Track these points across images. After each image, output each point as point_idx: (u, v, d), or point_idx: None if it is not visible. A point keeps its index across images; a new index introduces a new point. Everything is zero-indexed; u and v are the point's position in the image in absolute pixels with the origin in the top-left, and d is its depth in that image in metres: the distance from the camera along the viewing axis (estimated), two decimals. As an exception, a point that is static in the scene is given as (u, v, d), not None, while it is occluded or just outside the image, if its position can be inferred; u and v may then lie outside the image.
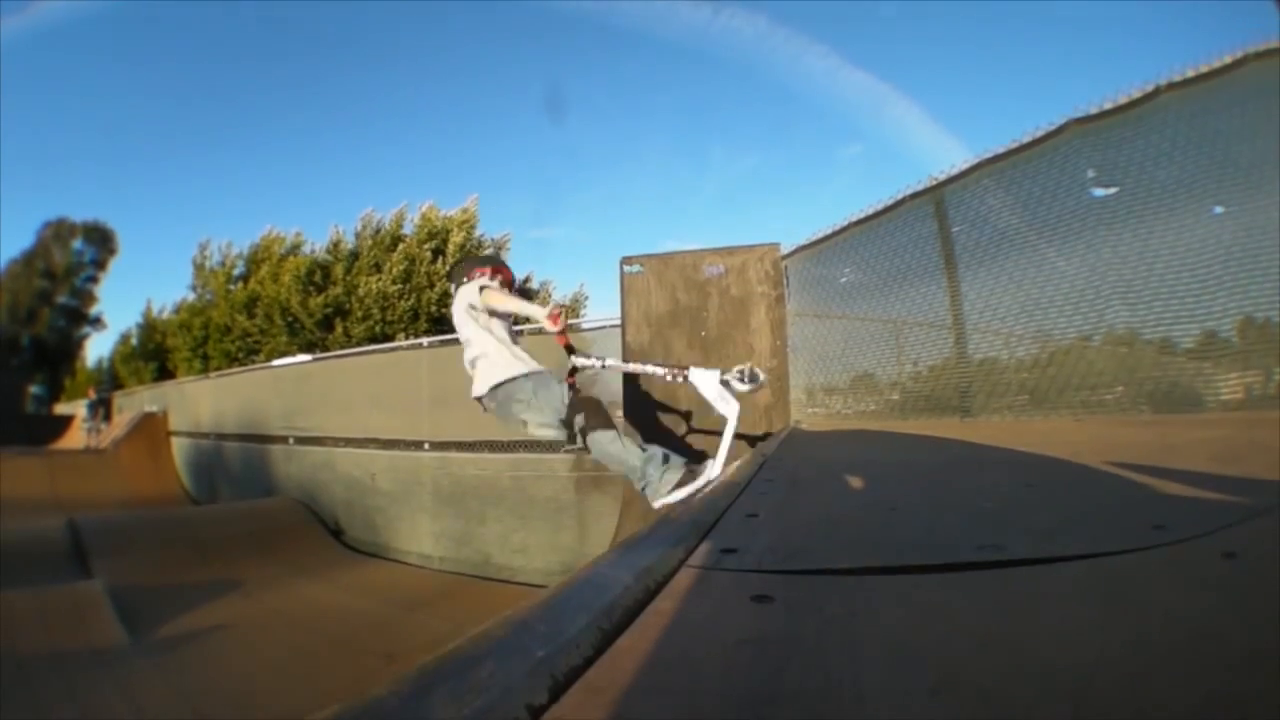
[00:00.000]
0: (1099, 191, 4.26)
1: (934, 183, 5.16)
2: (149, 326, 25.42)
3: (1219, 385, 3.90)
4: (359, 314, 18.09)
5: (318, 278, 18.94)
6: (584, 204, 54.87)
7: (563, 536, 7.95)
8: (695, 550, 1.15)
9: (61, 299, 33.88)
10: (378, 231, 19.45)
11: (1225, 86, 3.75)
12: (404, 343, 12.92)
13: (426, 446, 9.48)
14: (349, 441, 10.74)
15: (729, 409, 3.56)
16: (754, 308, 5.70)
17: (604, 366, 4.11)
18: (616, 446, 3.53)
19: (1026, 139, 4.57)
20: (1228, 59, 3.71)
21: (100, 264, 34.67)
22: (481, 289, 3.88)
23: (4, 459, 14.28)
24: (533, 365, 3.81)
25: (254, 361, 17.59)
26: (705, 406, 5.63)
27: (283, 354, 16.43)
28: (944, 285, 5.08)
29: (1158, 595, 0.88)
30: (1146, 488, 1.73)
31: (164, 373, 23.23)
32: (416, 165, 47.73)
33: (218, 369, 18.41)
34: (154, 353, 24.51)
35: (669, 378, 3.80)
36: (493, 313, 3.88)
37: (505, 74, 54.58)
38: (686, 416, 5.60)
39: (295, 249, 20.88)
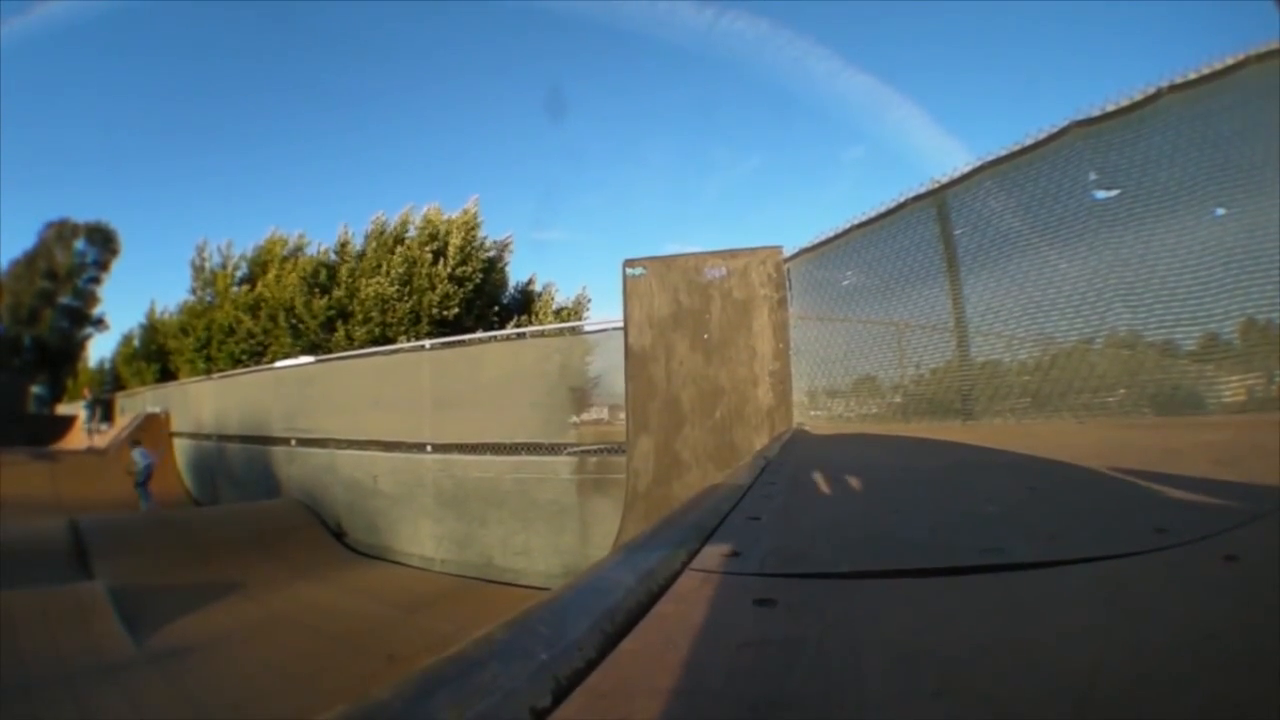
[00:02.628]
0: (1101, 194, 4.25)
1: (936, 185, 5.16)
2: (151, 327, 25.46)
3: (1221, 388, 3.89)
4: (360, 316, 18.10)
5: (323, 278, 18.95)
6: (586, 206, 54.80)
7: (565, 539, 7.96)
8: (698, 553, 1.15)
9: (63, 299, 33.88)
10: (382, 233, 19.46)
11: (1226, 88, 3.75)
12: (406, 345, 12.94)
13: (429, 449, 9.49)
14: (351, 443, 10.76)
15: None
16: (756, 310, 5.70)
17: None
18: None
19: (1028, 141, 4.57)
20: (1229, 61, 3.71)
21: (102, 265, 34.71)
22: None
23: (6, 459, 14.30)
24: None
25: (259, 363, 17.62)
26: (707, 403, 5.67)
27: (286, 356, 16.45)
28: (946, 288, 5.08)
29: (1159, 599, 0.88)
30: (1148, 491, 1.73)
31: (166, 374, 23.27)
32: (421, 167, 47.54)
33: (222, 371, 18.43)
34: (156, 354, 24.54)
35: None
36: None
37: (508, 76, 54.61)
38: (687, 412, 5.63)
39: (298, 250, 20.91)
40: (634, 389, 5.92)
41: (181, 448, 17.15)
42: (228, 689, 5.08)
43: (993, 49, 44.82)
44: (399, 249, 18.53)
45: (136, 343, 26.83)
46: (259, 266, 21.10)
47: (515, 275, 21.80)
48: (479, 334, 12.63)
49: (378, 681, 0.60)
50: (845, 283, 5.82)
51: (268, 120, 46.83)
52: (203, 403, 16.21)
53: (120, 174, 47.64)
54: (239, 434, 14.06)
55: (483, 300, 19.73)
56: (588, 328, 9.64)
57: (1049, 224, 4.46)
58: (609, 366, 7.54)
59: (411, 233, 19.34)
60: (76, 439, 20.70)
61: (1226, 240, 3.67)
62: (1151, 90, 4.01)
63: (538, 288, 22.05)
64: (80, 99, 46.16)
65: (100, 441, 18.65)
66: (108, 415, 21.81)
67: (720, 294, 5.80)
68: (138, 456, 13.23)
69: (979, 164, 4.88)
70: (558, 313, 21.07)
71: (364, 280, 18.26)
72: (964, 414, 5.00)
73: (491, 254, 20.33)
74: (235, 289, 21.22)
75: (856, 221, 5.64)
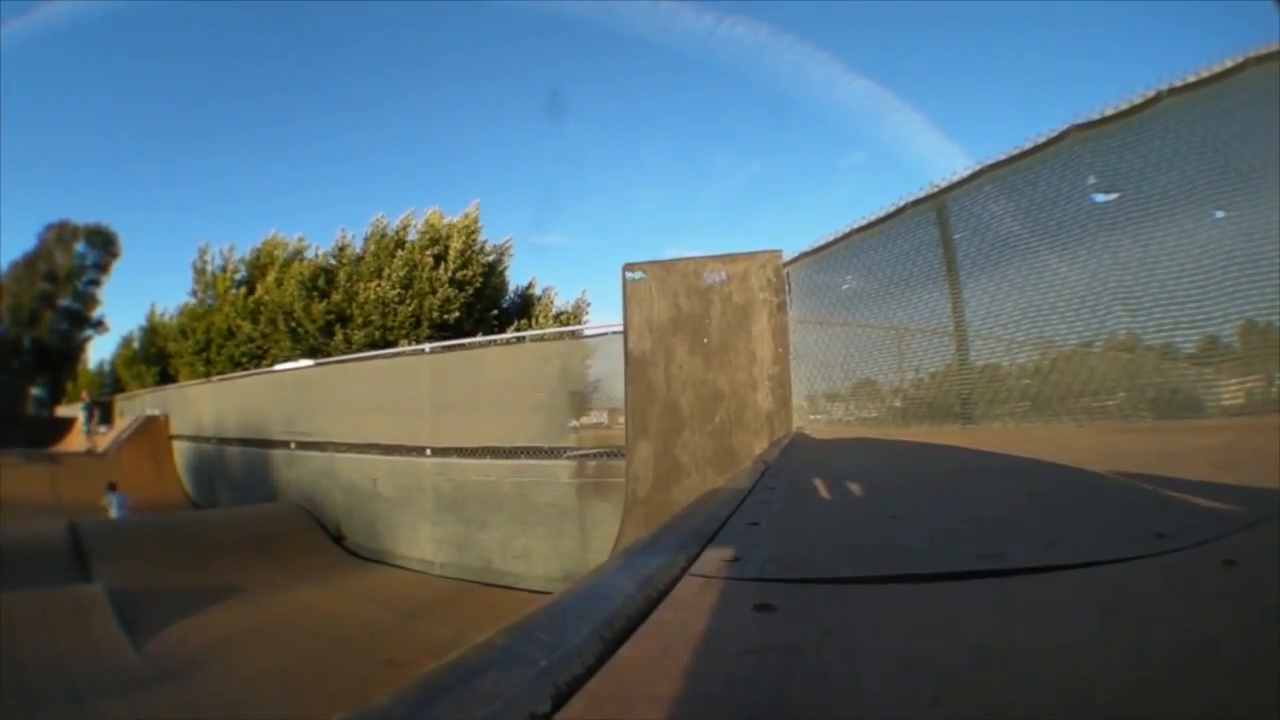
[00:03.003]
0: (1100, 197, 4.25)
1: (936, 189, 5.16)
2: (151, 330, 25.48)
3: (1220, 390, 3.88)
4: (359, 320, 18.10)
5: (321, 283, 18.97)
6: (586, 210, 54.80)
7: (564, 542, 7.94)
8: (697, 559, 1.15)
9: (63, 301, 33.90)
10: (382, 236, 19.49)
11: (1226, 91, 3.75)
12: (406, 348, 12.94)
13: (428, 452, 9.48)
14: (350, 447, 10.75)
15: None
16: (756, 315, 5.70)
17: None
18: None
19: (1028, 145, 4.57)
20: (1228, 63, 3.71)
21: (102, 267, 34.74)
22: None
23: (5, 461, 14.29)
24: None
25: (259, 366, 17.62)
26: (706, 408, 5.67)
27: (286, 359, 16.47)
28: (946, 292, 5.07)
29: (1158, 604, 0.89)
30: (1147, 495, 1.73)
31: (166, 376, 23.26)
32: (421, 171, 47.59)
33: (222, 374, 18.43)
34: (156, 356, 24.55)
35: None
36: None
37: (508, 80, 54.75)
38: (687, 417, 5.63)
39: (298, 254, 20.94)
40: (633, 393, 5.92)
41: (181, 450, 17.13)
42: (226, 692, 5.07)
43: (992, 53, 44.90)
44: (400, 252, 18.55)
45: (136, 345, 26.84)
46: (258, 269, 21.13)
47: (515, 279, 21.89)
48: (479, 338, 12.64)
49: (377, 686, 0.60)
50: (845, 287, 5.82)
51: (269, 123, 46.96)
52: (202, 406, 16.20)
53: (121, 176, 47.71)
54: (238, 437, 14.04)
55: (483, 304, 19.76)
56: (587, 332, 9.65)
57: (1048, 228, 4.46)
58: (608, 371, 7.53)
59: (412, 236, 19.36)
60: (76, 441, 20.68)
61: (1226, 243, 3.67)
62: (1151, 93, 4.00)
63: (537, 291, 22.10)
64: (81, 100, 46.20)
65: (100, 444, 18.64)
66: (107, 417, 21.81)
67: (720, 298, 5.80)
68: (111, 502, 12.12)
69: (978, 168, 4.88)
70: (557, 316, 21.10)
71: (363, 284, 18.28)
72: (963, 418, 4.99)
73: (491, 258, 20.36)
74: (234, 292, 21.24)
75: (856, 226, 5.64)
